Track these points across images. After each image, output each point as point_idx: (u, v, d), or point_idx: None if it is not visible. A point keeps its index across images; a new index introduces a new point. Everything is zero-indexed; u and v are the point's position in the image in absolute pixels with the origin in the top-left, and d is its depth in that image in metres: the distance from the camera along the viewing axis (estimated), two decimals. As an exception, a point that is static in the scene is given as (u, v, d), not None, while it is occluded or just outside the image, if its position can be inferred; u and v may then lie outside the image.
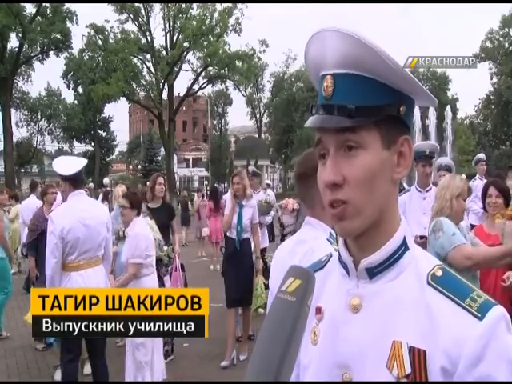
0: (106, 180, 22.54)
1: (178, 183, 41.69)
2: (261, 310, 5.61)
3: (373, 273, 0.85)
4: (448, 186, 3.18)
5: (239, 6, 34.50)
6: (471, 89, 79.35)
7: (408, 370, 0.78)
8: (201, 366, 5.21)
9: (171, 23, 35.55)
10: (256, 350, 0.71)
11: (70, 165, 4.04)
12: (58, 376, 4.70)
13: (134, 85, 35.78)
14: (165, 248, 5.24)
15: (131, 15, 34.87)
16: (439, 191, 3.21)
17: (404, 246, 0.85)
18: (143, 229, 4.37)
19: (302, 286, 0.74)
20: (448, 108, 23.31)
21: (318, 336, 0.89)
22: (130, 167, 50.46)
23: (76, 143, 47.73)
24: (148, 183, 6.99)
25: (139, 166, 41.37)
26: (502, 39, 43.15)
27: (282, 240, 10.78)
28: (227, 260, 5.53)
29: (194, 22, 34.09)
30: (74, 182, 3.99)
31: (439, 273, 0.83)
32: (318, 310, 0.90)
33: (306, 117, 0.88)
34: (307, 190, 1.91)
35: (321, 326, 0.89)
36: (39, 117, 43.10)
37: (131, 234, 4.22)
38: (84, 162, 4.27)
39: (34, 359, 5.57)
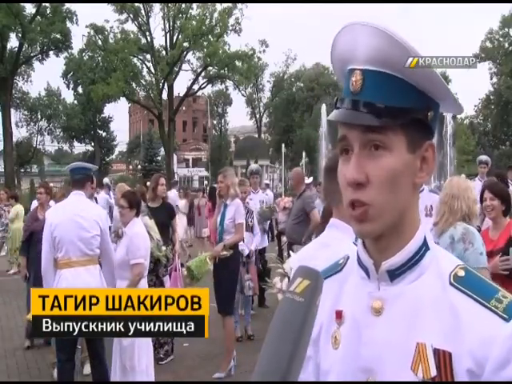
0: (106, 180, 22.53)
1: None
2: (183, 269, 4.95)
3: (394, 275, 0.83)
4: (470, 188, 3.16)
5: (239, 6, 34.61)
6: (471, 89, 79.39)
7: (433, 372, 0.76)
8: (201, 366, 5.21)
9: (171, 23, 35.58)
10: (263, 351, 0.70)
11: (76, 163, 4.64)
12: (56, 374, 4.70)
13: (133, 85, 35.82)
14: (163, 248, 5.23)
15: (131, 15, 34.92)
16: (462, 192, 3.14)
17: (425, 246, 0.84)
18: (143, 229, 4.37)
19: (310, 287, 0.73)
20: (448, 108, 23.33)
21: (340, 340, 0.87)
22: (130, 167, 50.47)
23: (76, 143, 47.78)
24: (148, 183, 6.98)
25: (139, 166, 41.40)
26: (501, 39, 43.19)
27: (278, 237, 10.70)
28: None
29: (193, 22, 34.14)
30: (72, 181, 4.32)
31: (461, 273, 0.81)
32: (339, 314, 0.88)
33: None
34: (334, 185, 1.88)
35: (342, 330, 0.87)
36: (39, 117, 43.00)
37: (130, 233, 4.19)
38: (90, 166, 4.62)
39: (34, 359, 5.57)
